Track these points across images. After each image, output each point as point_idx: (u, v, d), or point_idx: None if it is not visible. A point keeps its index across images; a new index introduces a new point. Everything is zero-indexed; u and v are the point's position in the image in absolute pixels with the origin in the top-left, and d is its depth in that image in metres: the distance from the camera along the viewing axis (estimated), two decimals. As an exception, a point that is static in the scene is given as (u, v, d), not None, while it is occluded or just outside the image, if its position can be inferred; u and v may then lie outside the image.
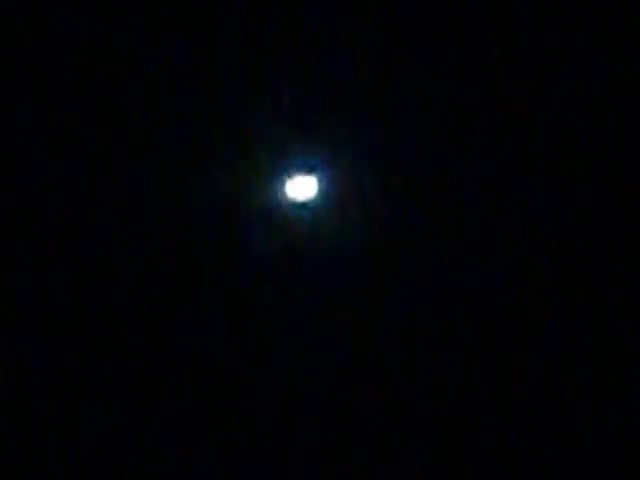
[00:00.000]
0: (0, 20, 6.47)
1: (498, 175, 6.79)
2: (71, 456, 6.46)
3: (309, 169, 6.81)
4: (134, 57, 6.62)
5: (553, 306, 6.70)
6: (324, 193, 6.81)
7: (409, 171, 6.82)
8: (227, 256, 6.80)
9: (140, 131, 6.75)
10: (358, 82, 6.78)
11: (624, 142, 6.69)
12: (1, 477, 6.35)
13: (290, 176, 6.80)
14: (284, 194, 6.80)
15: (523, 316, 6.70)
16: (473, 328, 6.72)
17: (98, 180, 6.74)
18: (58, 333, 6.62)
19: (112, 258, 6.71)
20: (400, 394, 6.64)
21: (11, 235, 6.60)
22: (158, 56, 6.64)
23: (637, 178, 6.67)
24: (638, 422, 6.37)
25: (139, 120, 6.74)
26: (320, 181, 6.81)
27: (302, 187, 6.82)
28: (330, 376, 6.70)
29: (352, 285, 6.81)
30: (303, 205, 6.82)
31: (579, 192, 6.69)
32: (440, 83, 6.74)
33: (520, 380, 6.61)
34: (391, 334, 6.76)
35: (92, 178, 6.71)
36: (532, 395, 6.59)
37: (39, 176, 6.64)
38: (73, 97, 6.62)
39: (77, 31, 6.51)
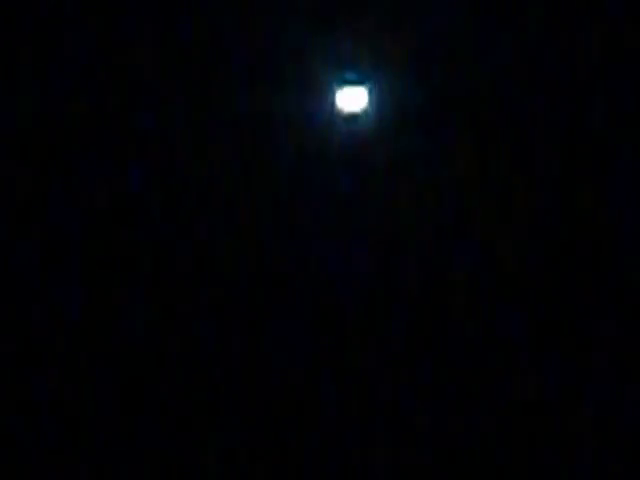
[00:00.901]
0: None
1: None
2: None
3: (360, 80, 6.67)
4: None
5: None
6: (375, 104, 6.72)
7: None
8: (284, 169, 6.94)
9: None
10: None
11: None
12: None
13: (341, 87, 6.70)
14: (335, 105, 6.75)
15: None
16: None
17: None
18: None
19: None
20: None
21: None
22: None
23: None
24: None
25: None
26: (371, 92, 6.69)
27: (353, 98, 6.73)
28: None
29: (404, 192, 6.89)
30: (354, 116, 6.77)
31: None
32: None
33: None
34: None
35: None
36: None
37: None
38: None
39: None
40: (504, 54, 6.59)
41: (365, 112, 6.77)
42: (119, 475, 6.38)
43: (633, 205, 6.52)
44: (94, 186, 6.72)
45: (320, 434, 6.35)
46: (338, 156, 6.87)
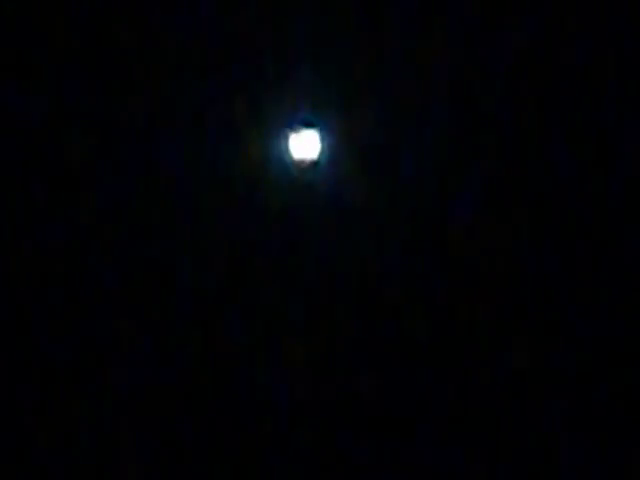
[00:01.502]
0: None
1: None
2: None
3: (312, 125, 6.64)
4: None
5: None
6: (327, 148, 6.65)
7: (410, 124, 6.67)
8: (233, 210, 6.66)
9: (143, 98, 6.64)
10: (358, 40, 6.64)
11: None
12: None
13: (294, 132, 6.63)
14: (288, 150, 6.63)
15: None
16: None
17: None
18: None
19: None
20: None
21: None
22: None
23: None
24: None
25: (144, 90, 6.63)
26: (323, 136, 6.64)
27: (305, 143, 6.64)
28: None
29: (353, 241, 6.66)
30: (306, 161, 6.65)
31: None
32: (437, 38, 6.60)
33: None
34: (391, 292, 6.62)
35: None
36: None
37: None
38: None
39: None
40: (456, 98, 6.78)
41: (318, 158, 6.67)
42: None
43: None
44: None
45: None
46: (291, 202, 6.66)
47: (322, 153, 6.63)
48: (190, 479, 6.29)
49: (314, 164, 6.64)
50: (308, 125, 6.61)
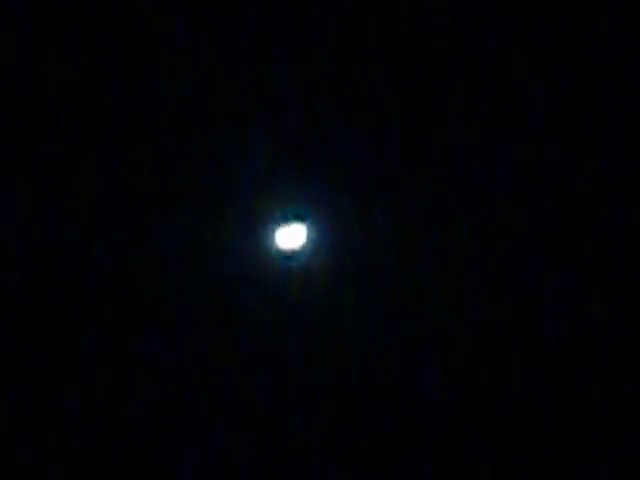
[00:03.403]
0: None
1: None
2: None
3: (298, 217, 6.70)
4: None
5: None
6: (314, 242, 6.71)
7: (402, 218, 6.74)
8: (216, 307, 6.67)
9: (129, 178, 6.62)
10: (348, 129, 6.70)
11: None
12: None
13: (279, 224, 6.68)
14: (273, 242, 6.68)
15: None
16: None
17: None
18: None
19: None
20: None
21: None
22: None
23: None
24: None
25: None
26: (310, 229, 6.71)
27: (291, 236, 6.71)
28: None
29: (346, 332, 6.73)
30: (292, 254, 6.70)
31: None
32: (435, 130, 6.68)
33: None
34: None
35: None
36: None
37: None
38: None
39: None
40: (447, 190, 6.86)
41: (303, 249, 6.74)
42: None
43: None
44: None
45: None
46: (274, 293, 6.70)
47: (307, 245, 6.71)
48: None
49: (299, 254, 6.71)
50: (297, 218, 6.69)
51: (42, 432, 6.45)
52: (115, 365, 6.61)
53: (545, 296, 6.68)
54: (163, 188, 6.62)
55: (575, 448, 6.51)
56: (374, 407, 6.69)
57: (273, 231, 6.67)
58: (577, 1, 6.12)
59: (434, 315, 6.75)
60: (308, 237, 6.70)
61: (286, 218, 6.67)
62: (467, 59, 6.29)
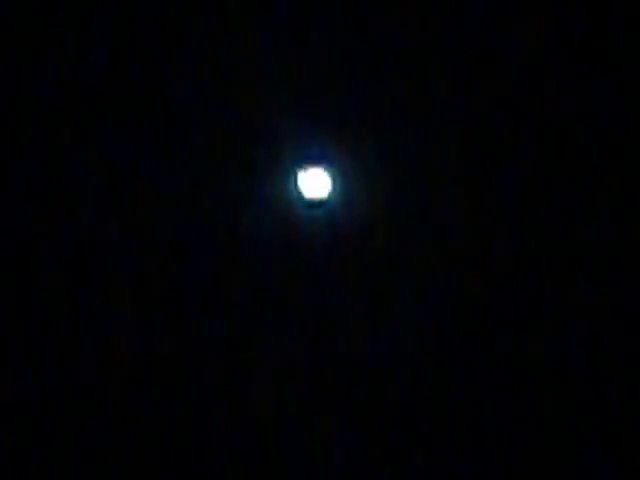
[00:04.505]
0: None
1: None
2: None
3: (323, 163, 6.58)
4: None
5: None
6: (338, 189, 6.58)
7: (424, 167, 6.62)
8: (239, 255, 6.59)
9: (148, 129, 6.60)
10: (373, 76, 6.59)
11: None
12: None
13: (304, 170, 6.57)
14: (297, 189, 6.57)
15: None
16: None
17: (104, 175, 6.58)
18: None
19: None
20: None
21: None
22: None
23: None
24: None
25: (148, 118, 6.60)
26: (334, 177, 6.58)
27: (315, 183, 6.58)
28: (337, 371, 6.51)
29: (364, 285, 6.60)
30: (316, 202, 6.59)
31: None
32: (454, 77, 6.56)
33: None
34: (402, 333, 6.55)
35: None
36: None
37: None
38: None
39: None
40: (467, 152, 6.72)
41: (328, 198, 6.61)
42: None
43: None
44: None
45: None
46: (299, 243, 6.60)
47: (332, 192, 6.57)
48: None
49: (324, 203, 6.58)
50: (318, 162, 6.56)
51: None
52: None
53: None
54: (187, 137, 6.59)
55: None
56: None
57: (297, 178, 6.56)
58: None
59: (461, 266, 6.59)
60: (333, 186, 6.57)
61: (310, 165, 6.56)
62: None
